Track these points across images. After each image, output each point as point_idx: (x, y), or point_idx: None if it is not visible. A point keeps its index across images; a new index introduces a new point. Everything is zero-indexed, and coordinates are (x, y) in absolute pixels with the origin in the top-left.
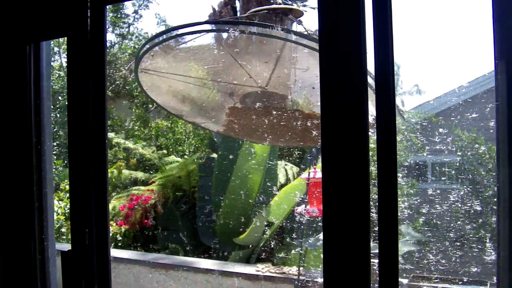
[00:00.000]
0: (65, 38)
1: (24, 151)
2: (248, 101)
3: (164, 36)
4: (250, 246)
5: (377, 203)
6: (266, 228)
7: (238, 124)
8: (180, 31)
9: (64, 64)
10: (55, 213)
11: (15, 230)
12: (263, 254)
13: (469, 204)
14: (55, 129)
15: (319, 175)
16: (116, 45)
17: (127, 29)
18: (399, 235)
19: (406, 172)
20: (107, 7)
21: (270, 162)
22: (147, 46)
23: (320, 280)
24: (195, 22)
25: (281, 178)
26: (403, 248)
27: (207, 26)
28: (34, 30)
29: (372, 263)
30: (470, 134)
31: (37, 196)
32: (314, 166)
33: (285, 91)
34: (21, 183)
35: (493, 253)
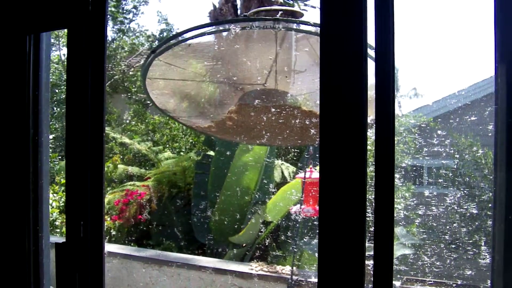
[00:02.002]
0: (65, 30)
1: (21, 142)
2: (250, 98)
3: (176, 40)
4: (244, 245)
5: (373, 204)
6: (262, 226)
7: (235, 121)
8: (189, 34)
9: (63, 57)
10: (49, 206)
11: (10, 220)
12: (258, 252)
13: (465, 207)
14: (51, 122)
15: (315, 175)
16: (116, 41)
17: (127, 25)
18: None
19: (403, 173)
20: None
21: (268, 160)
22: (159, 50)
23: (314, 279)
24: (203, 24)
25: (277, 177)
26: (397, 251)
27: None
28: (35, 21)
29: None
30: (467, 139)
31: (33, 187)
32: (311, 166)
33: (285, 89)
34: (17, 173)
35: (488, 257)
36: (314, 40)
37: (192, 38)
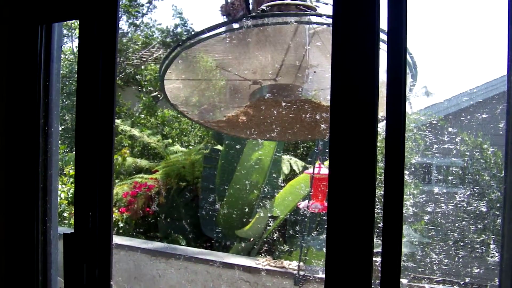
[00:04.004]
0: (77, 21)
1: (31, 132)
2: (264, 93)
3: (192, 41)
4: (251, 239)
5: (381, 200)
6: (270, 220)
7: (250, 116)
8: (208, 33)
9: (75, 49)
10: (58, 197)
11: (19, 210)
12: (266, 246)
13: (474, 205)
14: (61, 114)
15: (323, 171)
16: (129, 34)
17: (140, 19)
18: None
19: (412, 170)
20: None
21: (277, 154)
22: (176, 50)
23: (321, 275)
24: (221, 23)
25: (285, 171)
26: (404, 248)
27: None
28: (47, 11)
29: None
30: (476, 139)
31: (42, 178)
32: (320, 162)
33: (298, 83)
34: (27, 164)
35: (496, 255)
36: (325, 36)
37: (222, 33)
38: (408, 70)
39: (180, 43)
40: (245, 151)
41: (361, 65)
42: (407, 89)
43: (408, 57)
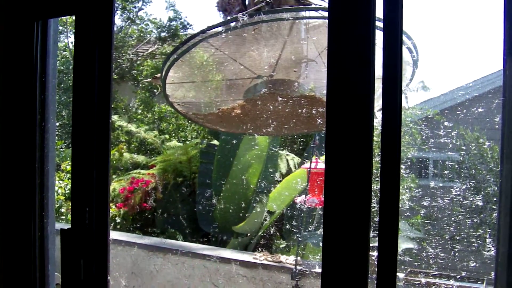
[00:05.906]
0: (73, 17)
1: (28, 128)
2: (261, 89)
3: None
4: (248, 234)
5: (378, 195)
6: (267, 214)
7: (247, 110)
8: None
9: (70, 45)
10: (55, 193)
11: (16, 206)
12: (262, 240)
13: (470, 199)
14: (57, 109)
15: (320, 165)
16: (123, 29)
17: (135, 14)
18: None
19: (409, 164)
20: None
21: (273, 149)
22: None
23: (317, 270)
24: (220, 22)
25: (282, 169)
26: (401, 244)
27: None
28: (43, 7)
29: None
30: (472, 133)
31: (39, 173)
32: (317, 157)
33: (294, 78)
34: (23, 159)
35: (492, 249)
36: (321, 30)
37: (221, 33)
38: (410, 56)
39: (183, 42)
40: (241, 146)
41: (357, 59)
42: (409, 75)
43: (409, 42)
